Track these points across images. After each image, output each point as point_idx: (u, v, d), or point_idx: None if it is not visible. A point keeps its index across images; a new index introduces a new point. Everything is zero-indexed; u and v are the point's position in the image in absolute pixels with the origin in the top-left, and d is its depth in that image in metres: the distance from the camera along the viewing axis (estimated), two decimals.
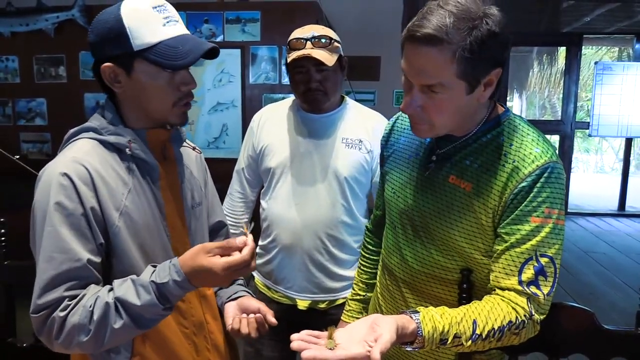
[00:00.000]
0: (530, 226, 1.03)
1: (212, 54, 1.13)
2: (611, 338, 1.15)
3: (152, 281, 1.00)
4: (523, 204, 1.03)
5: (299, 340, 0.92)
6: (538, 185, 1.03)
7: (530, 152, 1.06)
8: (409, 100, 1.05)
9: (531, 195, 1.03)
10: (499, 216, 1.07)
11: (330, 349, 0.90)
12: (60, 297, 0.99)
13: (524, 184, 1.03)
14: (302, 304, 1.79)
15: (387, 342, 0.90)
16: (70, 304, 1.00)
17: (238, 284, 1.34)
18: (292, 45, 1.70)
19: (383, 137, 1.37)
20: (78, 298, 1.00)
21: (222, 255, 1.01)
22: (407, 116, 1.16)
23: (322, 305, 1.79)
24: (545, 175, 1.03)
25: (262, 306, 1.24)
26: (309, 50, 1.66)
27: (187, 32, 1.12)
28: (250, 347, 1.89)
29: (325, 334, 0.94)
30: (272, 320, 1.21)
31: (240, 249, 1.01)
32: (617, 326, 1.16)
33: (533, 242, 1.03)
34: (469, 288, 1.11)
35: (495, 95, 1.10)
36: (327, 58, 1.66)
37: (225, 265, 0.99)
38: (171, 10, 1.10)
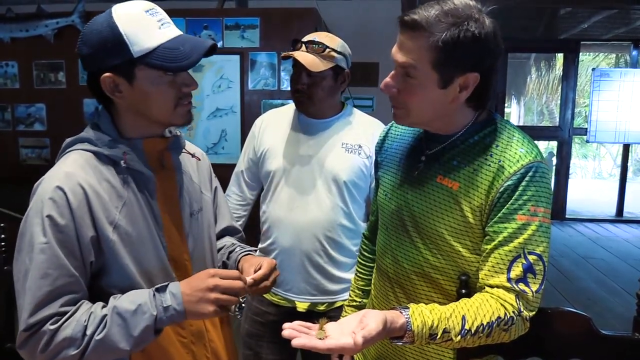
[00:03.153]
0: (517, 224, 1.06)
1: (211, 50, 1.13)
2: (608, 343, 1.15)
3: (150, 291, 1.04)
4: (509, 203, 1.06)
5: (290, 328, 0.95)
6: (523, 183, 1.06)
7: (516, 152, 1.09)
8: (388, 80, 1.11)
9: (516, 193, 1.06)
10: (486, 215, 1.09)
11: (321, 338, 0.93)
12: (54, 313, 1.00)
13: (509, 182, 1.06)
14: (301, 306, 1.80)
15: (373, 330, 0.92)
16: (60, 318, 1.00)
17: (240, 248, 1.37)
18: (292, 45, 1.76)
19: (377, 143, 1.41)
20: (71, 312, 1.01)
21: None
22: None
23: (321, 308, 1.81)
24: (530, 174, 1.06)
25: (263, 261, 1.24)
26: (295, 52, 1.72)
27: (181, 32, 1.11)
28: (249, 350, 1.90)
29: (316, 326, 0.97)
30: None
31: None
32: (614, 331, 1.17)
33: (520, 240, 1.05)
34: (468, 294, 1.12)
35: (482, 104, 1.14)
36: (313, 63, 1.68)
37: (213, 273, 1.06)
38: (162, 13, 1.09)
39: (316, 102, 1.75)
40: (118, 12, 1.04)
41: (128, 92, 1.08)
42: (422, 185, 1.18)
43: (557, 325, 1.17)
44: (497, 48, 1.07)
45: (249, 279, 1.10)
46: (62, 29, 3.71)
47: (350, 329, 0.95)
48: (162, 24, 1.06)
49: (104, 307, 1.03)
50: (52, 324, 0.99)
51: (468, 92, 1.08)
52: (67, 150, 1.11)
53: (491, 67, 1.08)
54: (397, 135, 1.34)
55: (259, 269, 1.18)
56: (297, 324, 0.97)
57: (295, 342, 0.92)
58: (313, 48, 1.71)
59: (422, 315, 1.00)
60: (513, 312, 1.04)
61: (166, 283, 1.06)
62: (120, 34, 1.02)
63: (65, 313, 1.00)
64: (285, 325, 0.96)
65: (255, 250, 1.38)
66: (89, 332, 0.99)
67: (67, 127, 3.61)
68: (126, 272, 1.07)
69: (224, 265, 1.34)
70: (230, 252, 1.35)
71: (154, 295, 1.03)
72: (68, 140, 1.13)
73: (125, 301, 1.02)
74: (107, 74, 1.05)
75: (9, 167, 3.83)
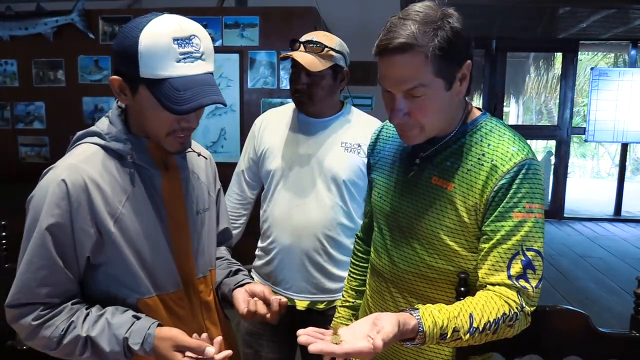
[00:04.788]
0: (514, 222, 1.07)
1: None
2: (605, 340, 1.16)
3: (126, 338, 1.05)
4: (504, 201, 1.07)
5: (305, 334, 0.94)
6: (517, 181, 1.07)
7: (507, 150, 1.10)
8: (394, 110, 1.10)
9: (511, 191, 1.07)
10: (481, 214, 1.11)
11: (336, 343, 0.92)
12: (34, 303, 1.05)
13: (503, 181, 1.08)
14: (301, 304, 1.81)
15: (390, 332, 0.92)
16: (43, 316, 1.05)
17: (243, 274, 1.35)
18: (290, 45, 1.76)
19: (369, 145, 1.42)
20: (53, 313, 1.06)
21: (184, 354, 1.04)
22: (392, 125, 1.22)
23: (321, 306, 1.81)
24: (523, 171, 1.07)
25: (266, 290, 1.24)
26: (294, 52, 1.72)
27: (207, 70, 1.07)
28: (249, 348, 1.90)
29: (329, 331, 0.96)
30: (282, 300, 1.22)
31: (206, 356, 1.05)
32: (611, 329, 1.18)
33: (518, 237, 1.07)
34: (467, 292, 1.13)
35: (468, 92, 1.16)
36: (312, 63, 1.69)
37: (178, 345, 1.04)
38: (197, 44, 1.05)
39: (316, 101, 1.76)
40: (148, 28, 1.02)
41: (131, 99, 1.09)
42: (416, 187, 1.19)
43: (556, 323, 1.18)
44: (469, 31, 1.10)
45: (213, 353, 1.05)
46: (61, 27, 3.71)
47: (364, 332, 0.95)
48: (184, 58, 1.03)
49: (85, 318, 1.06)
50: (34, 319, 1.05)
51: (467, 81, 1.11)
52: (77, 143, 1.14)
53: (472, 50, 1.12)
54: (390, 137, 1.35)
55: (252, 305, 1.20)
56: (311, 329, 0.97)
57: (312, 348, 0.91)
58: (311, 48, 1.72)
59: (432, 315, 1.00)
60: (516, 308, 1.06)
61: (137, 348, 1.05)
62: (136, 51, 1.01)
63: (46, 305, 1.06)
64: (300, 331, 0.95)
65: (249, 271, 1.38)
66: (64, 342, 1.05)
67: (67, 125, 3.62)
68: (128, 266, 1.09)
69: (221, 291, 1.34)
70: (227, 276, 1.35)
71: (128, 346, 1.05)
72: (79, 132, 1.16)
73: (103, 338, 1.05)
74: (116, 77, 1.07)
75: (8, 165, 3.83)
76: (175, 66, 1.02)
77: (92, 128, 1.15)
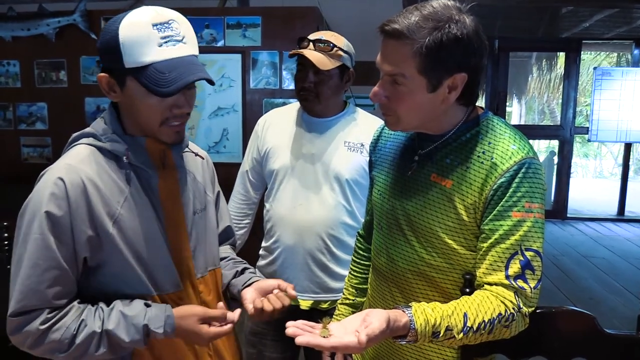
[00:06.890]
0: (512, 221, 1.06)
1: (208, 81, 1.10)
2: (612, 342, 1.15)
3: (146, 325, 1.05)
4: (503, 200, 1.06)
5: (294, 327, 0.96)
6: (516, 180, 1.06)
7: (507, 149, 1.09)
8: (377, 89, 1.12)
9: (510, 190, 1.06)
10: (480, 212, 1.10)
11: (324, 337, 0.93)
12: (41, 307, 1.02)
13: (502, 179, 1.06)
14: (305, 304, 1.81)
15: (376, 329, 0.93)
16: (50, 319, 1.03)
17: (250, 272, 1.35)
18: (298, 43, 1.76)
19: (371, 143, 1.42)
20: (61, 314, 1.04)
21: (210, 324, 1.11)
22: None
23: (324, 305, 1.81)
24: (523, 170, 1.06)
25: (280, 282, 1.26)
26: (304, 50, 1.72)
27: (190, 52, 1.08)
28: (252, 348, 1.90)
29: (320, 325, 0.97)
30: (292, 293, 1.24)
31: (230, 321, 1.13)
32: (617, 330, 1.17)
33: (517, 236, 1.06)
34: (472, 292, 1.12)
35: (472, 100, 1.15)
36: (321, 61, 1.69)
37: (212, 336, 1.11)
38: (176, 29, 1.06)
39: (322, 100, 1.76)
40: (126, 20, 1.04)
41: (120, 95, 1.09)
42: (416, 184, 1.19)
43: (561, 324, 1.17)
44: (480, 46, 1.07)
45: (232, 316, 1.15)
46: (63, 28, 3.72)
47: (354, 327, 0.95)
48: (166, 42, 1.04)
49: (95, 314, 1.05)
50: (42, 323, 1.02)
51: (457, 92, 1.09)
52: (73, 144, 1.14)
53: (477, 64, 1.09)
54: (391, 134, 1.34)
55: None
56: (300, 322, 0.98)
57: (299, 340, 0.93)
58: (320, 47, 1.72)
59: (425, 313, 1.00)
60: (513, 308, 1.05)
61: (160, 331, 1.07)
62: (118, 42, 1.02)
63: (52, 308, 1.03)
64: (289, 323, 0.97)
65: (254, 271, 1.39)
66: (77, 342, 1.03)
67: (69, 126, 3.60)
68: (127, 267, 1.09)
69: (230, 293, 1.35)
70: (234, 276, 1.36)
71: (147, 332, 1.07)
72: (74, 134, 1.16)
73: (121, 330, 1.05)
74: (103, 74, 1.08)
75: (10, 166, 3.84)
76: (158, 50, 1.03)
77: (87, 129, 1.14)
